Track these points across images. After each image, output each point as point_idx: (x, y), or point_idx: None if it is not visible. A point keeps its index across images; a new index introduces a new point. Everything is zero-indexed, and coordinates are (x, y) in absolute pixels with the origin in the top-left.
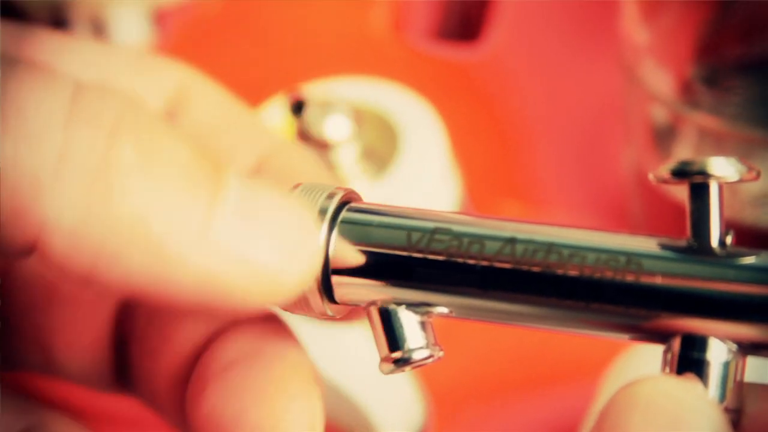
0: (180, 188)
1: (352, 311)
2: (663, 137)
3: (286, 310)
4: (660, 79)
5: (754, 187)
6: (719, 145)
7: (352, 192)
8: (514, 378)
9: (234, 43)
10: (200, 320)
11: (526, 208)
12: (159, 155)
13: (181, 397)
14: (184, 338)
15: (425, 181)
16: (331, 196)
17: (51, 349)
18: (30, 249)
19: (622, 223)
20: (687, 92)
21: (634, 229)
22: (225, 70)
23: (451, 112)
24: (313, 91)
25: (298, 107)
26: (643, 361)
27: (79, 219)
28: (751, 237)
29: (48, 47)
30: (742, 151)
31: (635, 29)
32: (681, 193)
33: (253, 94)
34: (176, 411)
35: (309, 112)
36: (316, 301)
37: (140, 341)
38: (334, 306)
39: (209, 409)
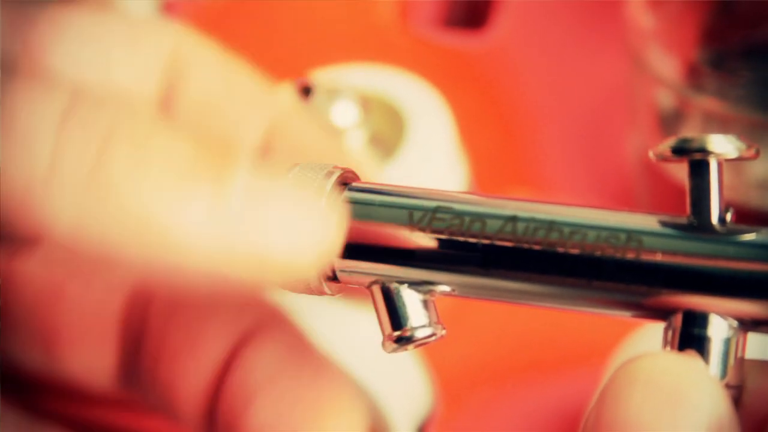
0: (179, 183)
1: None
2: (669, 122)
3: (283, 288)
4: (665, 64)
5: (759, 171)
6: (725, 129)
7: (350, 171)
8: (522, 362)
9: (242, 31)
10: (228, 322)
11: (533, 194)
12: (155, 154)
13: (208, 405)
14: (213, 343)
15: (432, 168)
16: (329, 175)
17: (53, 347)
18: (36, 242)
19: (628, 207)
20: (692, 76)
21: None
22: None
23: (458, 99)
24: (321, 77)
25: (305, 92)
26: (651, 343)
27: (76, 220)
28: (756, 220)
29: (47, 29)
30: (748, 135)
31: (641, 14)
32: (687, 178)
33: None
34: (201, 418)
35: (316, 99)
36: (315, 280)
37: (159, 342)
38: (332, 284)
39: (261, 422)
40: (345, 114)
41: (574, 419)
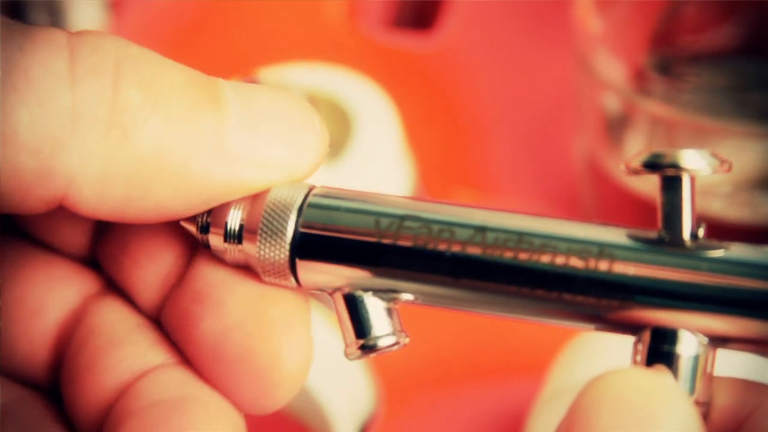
0: (187, 113)
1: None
2: (615, 126)
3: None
4: (612, 68)
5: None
6: (671, 133)
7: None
8: (464, 365)
9: (190, 30)
10: (129, 355)
11: (479, 196)
12: (161, 88)
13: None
14: (110, 370)
15: (378, 168)
16: (301, 187)
17: None
18: (56, 204)
19: (573, 210)
20: (639, 81)
21: (584, 217)
22: (180, 56)
23: (405, 99)
24: (268, 76)
25: None
26: (590, 350)
27: (104, 166)
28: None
29: None
30: (694, 140)
31: (589, 18)
32: (633, 182)
33: None
34: None
35: None
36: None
37: (71, 363)
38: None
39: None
40: None
41: (515, 422)
